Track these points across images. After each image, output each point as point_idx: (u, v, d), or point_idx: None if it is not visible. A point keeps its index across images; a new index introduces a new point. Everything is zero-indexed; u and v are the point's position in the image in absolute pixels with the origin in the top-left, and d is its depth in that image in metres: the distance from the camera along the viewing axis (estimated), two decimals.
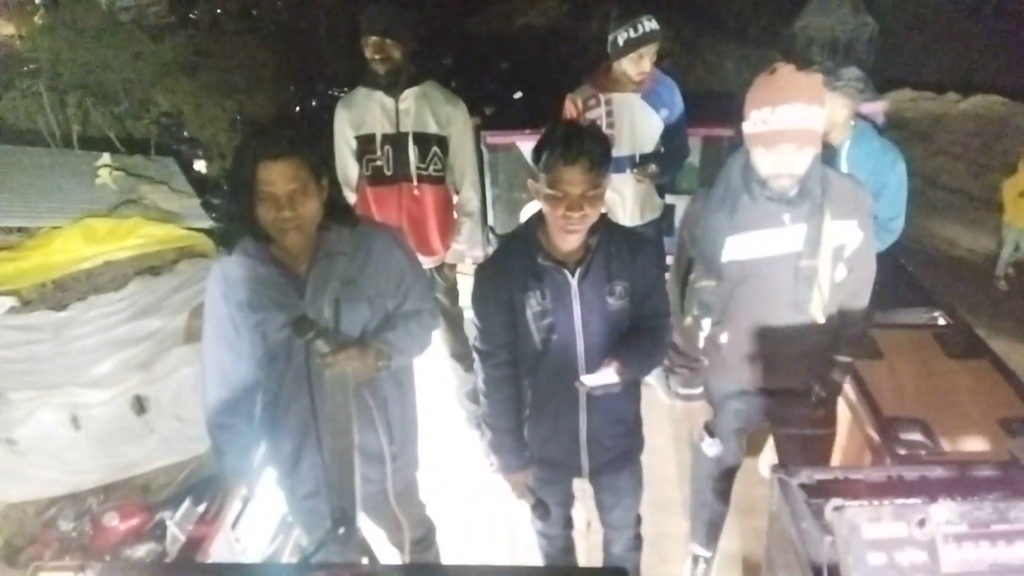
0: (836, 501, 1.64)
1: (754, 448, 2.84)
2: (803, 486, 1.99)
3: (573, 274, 1.97)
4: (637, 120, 3.01)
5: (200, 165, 5.64)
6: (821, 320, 2.14)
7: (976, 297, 5.77)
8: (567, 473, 2.28)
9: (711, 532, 2.72)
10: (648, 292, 2.04)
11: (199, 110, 5.92)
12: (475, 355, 2.13)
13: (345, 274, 1.85)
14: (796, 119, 1.90)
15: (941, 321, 3.08)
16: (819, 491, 1.93)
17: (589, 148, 1.82)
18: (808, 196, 2.04)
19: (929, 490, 1.80)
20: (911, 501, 1.62)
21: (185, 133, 5.82)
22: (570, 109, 3.12)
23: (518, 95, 5.70)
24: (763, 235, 2.11)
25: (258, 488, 2.59)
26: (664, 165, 3.09)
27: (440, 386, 3.50)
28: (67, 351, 3.46)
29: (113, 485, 3.49)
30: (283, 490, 2.17)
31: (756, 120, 1.96)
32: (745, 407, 2.39)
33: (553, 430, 2.13)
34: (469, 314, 3.68)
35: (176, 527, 2.50)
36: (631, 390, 2.17)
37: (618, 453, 2.23)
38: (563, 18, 11.25)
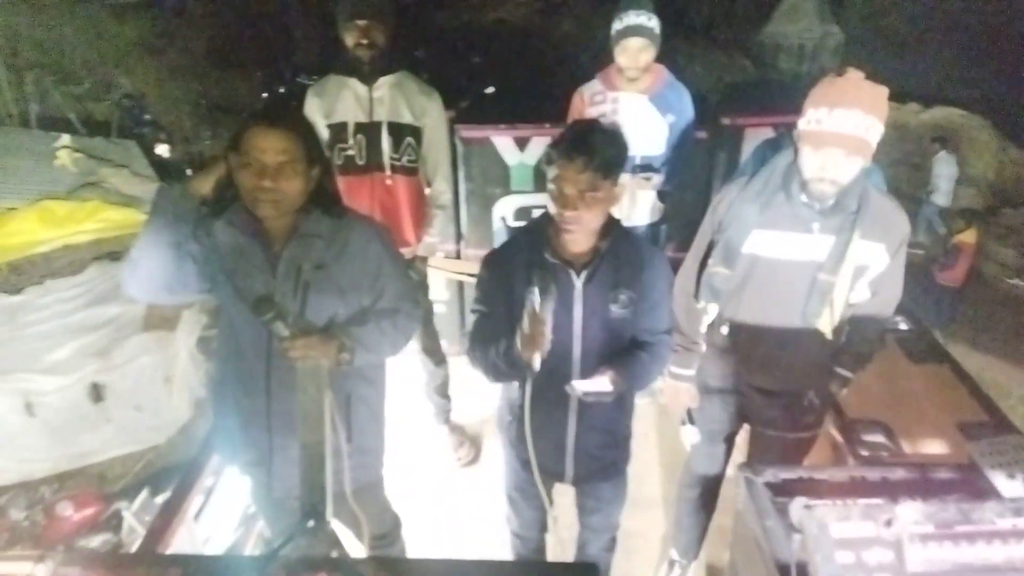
0: (803, 500, 1.66)
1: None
2: (768, 485, 2.02)
3: (579, 276, 1.92)
4: (641, 121, 2.95)
5: (162, 149, 5.51)
6: (828, 336, 2.14)
7: (960, 312, 5.89)
8: (550, 478, 2.22)
9: (692, 541, 2.72)
10: (653, 306, 1.99)
11: (162, 93, 5.79)
12: (468, 338, 2.09)
13: (318, 258, 1.82)
14: (851, 125, 1.87)
15: (902, 326, 3.15)
16: (784, 490, 1.95)
17: (593, 148, 1.77)
18: (842, 209, 2.01)
19: (891, 491, 1.84)
20: (877, 501, 1.65)
21: (147, 116, 5.68)
22: (576, 103, 3.07)
23: (490, 90, 5.67)
24: (789, 237, 2.08)
25: (221, 480, 2.55)
26: (668, 171, 3.03)
27: (409, 380, 3.47)
28: (22, 336, 3.35)
29: (67, 474, 3.40)
30: (239, 472, 2.12)
31: (811, 118, 1.93)
32: (731, 400, 2.38)
33: (540, 433, 2.05)
34: (439, 308, 3.70)
35: (133, 517, 2.44)
36: (624, 402, 2.12)
37: (605, 463, 2.19)
38: (536, 15, 11.27)
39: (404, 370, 3.24)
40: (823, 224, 2.04)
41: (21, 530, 3.02)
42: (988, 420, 2.51)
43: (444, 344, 3.31)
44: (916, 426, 2.48)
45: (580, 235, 1.88)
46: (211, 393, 2.03)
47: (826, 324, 2.11)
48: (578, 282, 1.92)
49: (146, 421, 3.59)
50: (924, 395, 2.62)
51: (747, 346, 2.26)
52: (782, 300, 2.15)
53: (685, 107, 3.01)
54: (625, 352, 2.00)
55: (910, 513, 1.53)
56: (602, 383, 1.89)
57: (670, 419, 3.47)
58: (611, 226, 1.94)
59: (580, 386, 1.91)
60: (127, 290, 1.80)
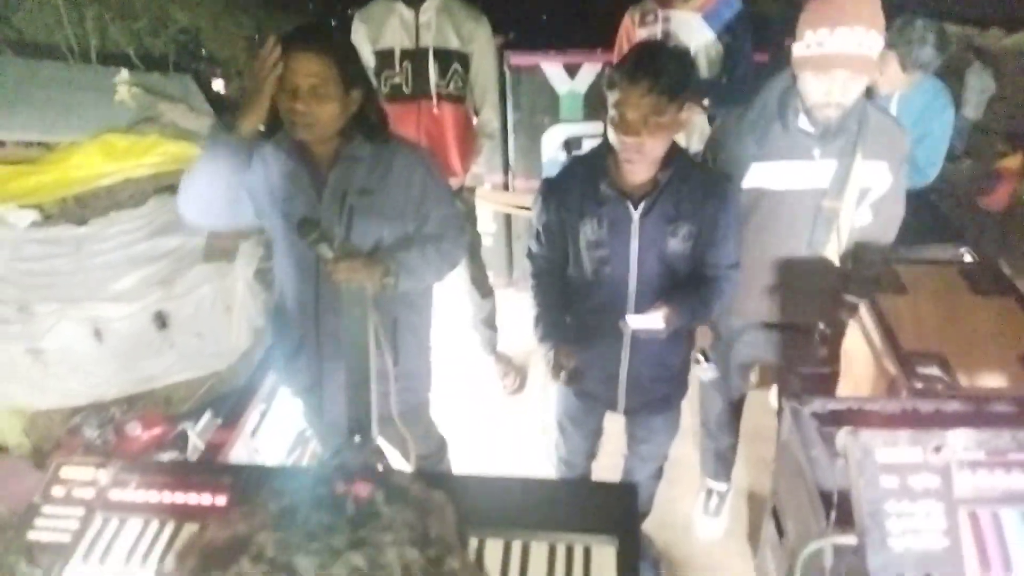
0: (849, 427, 1.63)
1: (764, 379, 2.84)
2: (815, 415, 2.00)
3: (636, 208, 1.86)
4: (694, 41, 2.79)
5: (218, 84, 5.56)
6: (835, 263, 2.09)
7: (1009, 240, 5.60)
8: (602, 407, 2.23)
9: (720, 464, 2.73)
10: (717, 240, 1.92)
11: (217, 27, 5.79)
12: (527, 258, 2.09)
13: (362, 183, 1.83)
14: (855, 43, 1.78)
15: (967, 258, 3.02)
16: (831, 420, 1.92)
17: (659, 69, 1.67)
18: (843, 132, 1.94)
19: (943, 423, 1.79)
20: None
21: (203, 51, 5.72)
22: (626, 24, 2.95)
23: (541, 15, 5.50)
24: (790, 166, 2.03)
25: (275, 403, 2.64)
26: (721, 95, 2.84)
27: (456, 311, 3.51)
28: (89, 266, 3.49)
29: (135, 397, 3.57)
30: (291, 390, 2.20)
31: (811, 42, 1.84)
32: (751, 341, 2.36)
33: (594, 364, 2.05)
34: (486, 240, 3.70)
35: (197, 437, 2.56)
36: (680, 336, 2.08)
37: (658, 396, 2.17)
38: None
39: (451, 300, 3.27)
40: (823, 149, 1.97)
41: (94, 448, 3.20)
42: None
43: (491, 276, 3.33)
44: (975, 359, 2.39)
45: (641, 165, 1.80)
46: (268, 321, 2.10)
47: (833, 251, 2.06)
48: (635, 214, 1.86)
49: (207, 348, 3.71)
50: (986, 328, 2.52)
51: (756, 281, 2.21)
52: (787, 231, 2.10)
53: (743, 26, 2.84)
54: (684, 287, 1.94)
55: (960, 439, 1.49)
56: (655, 320, 1.84)
57: None
58: (674, 155, 1.85)
59: (632, 322, 1.87)
60: (183, 213, 1.84)
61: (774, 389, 3.27)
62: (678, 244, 1.89)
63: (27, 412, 3.36)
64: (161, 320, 3.69)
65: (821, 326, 2.24)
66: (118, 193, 3.74)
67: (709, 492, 2.79)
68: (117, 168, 3.74)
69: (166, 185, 3.83)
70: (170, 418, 3.28)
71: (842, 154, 1.97)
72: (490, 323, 3.31)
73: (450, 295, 3.14)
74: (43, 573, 1.49)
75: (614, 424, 2.38)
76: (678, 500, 2.87)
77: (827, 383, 2.39)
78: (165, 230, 3.66)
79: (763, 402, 3.25)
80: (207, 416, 2.63)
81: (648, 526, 2.70)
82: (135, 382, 3.61)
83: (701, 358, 2.34)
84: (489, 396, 3.37)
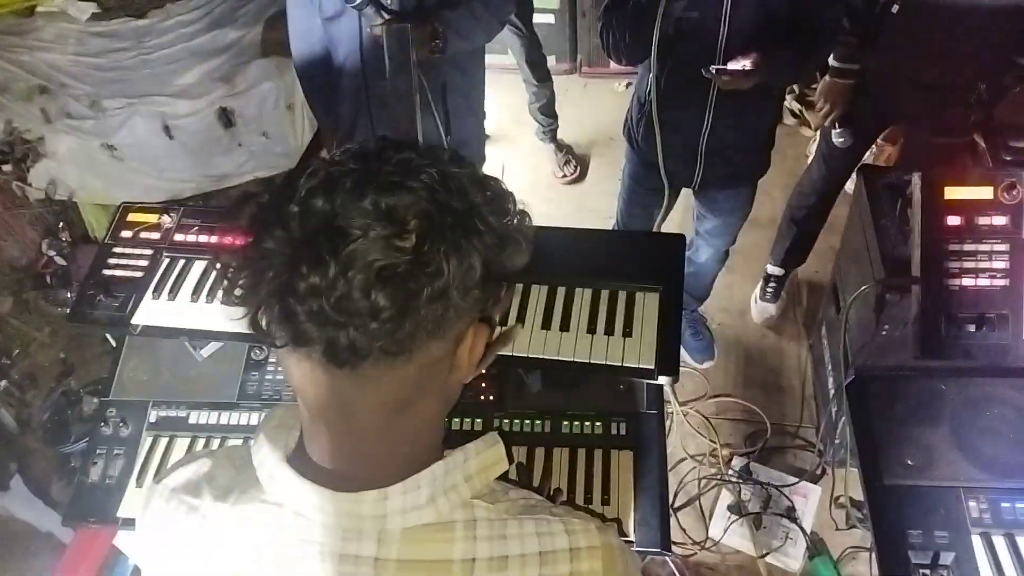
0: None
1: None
2: (889, 185, 1.88)
3: None
4: None
5: None
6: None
7: None
8: (676, 182, 2.09)
9: (794, 250, 2.65)
10: None
11: None
12: (600, 17, 1.90)
13: None
14: None
15: None
16: (906, 191, 1.81)
17: None
18: None
19: None
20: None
21: None
22: None
23: None
24: None
25: None
26: None
27: (513, 98, 3.39)
28: (151, 60, 3.49)
29: (210, 194, 3.69)
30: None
31: None
32: (883, 96, 2.13)
33: (673, 128, 1.89)
34: (546, 18, 3.48)
35: None
36: (768, 99, 1.92)
37: (737, 168, 2.04)
38: None
39: (506, 87, 3.16)
40: None
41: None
42: None
43: (552, 60, 3.16)
44: None
45: None
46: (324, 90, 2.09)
47: None
48: None
49: (273, 147, 3.75)
50: None
51: (919, 28, 1.93)
52: None
53: None
54: (782, 37, 1.72)
55: None
56: (743, 62, 1.66)
57: (793, 140, 3.25)
58: None
59: (718, 69, 1.69)
60: None
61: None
62: None
63: (110, 207, 3.54)
64: (227, 118, 3.72)
65: (982, 88, 1.98)
66: None
67: (768, 277, 2.74)
68: None
69: None
70: None
71: None
72: (548, 111, 3.19)
73: (503, 81, 3.01)
74: (120, 303, 1.60)
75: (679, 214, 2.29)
76: (735, 286, 2.84)
77: (962, 157, 2.19)
78: (221, 22, 3.60)
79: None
80: None
81: (706, 307, 2.71)
82: (210, 180, 3.71)
83: (836, 123, 2.19)
84: (547, 184, 3.32)
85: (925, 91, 2.05)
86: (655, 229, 2.24)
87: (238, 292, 0.61)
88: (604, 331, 1.52)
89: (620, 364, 1.47)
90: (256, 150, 3.77)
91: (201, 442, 1.61)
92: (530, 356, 1.50)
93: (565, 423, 1.60)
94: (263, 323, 0.60)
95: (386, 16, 1.68)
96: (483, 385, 1.64)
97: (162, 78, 3.49)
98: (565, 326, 1.54)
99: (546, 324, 1.54)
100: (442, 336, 0.62)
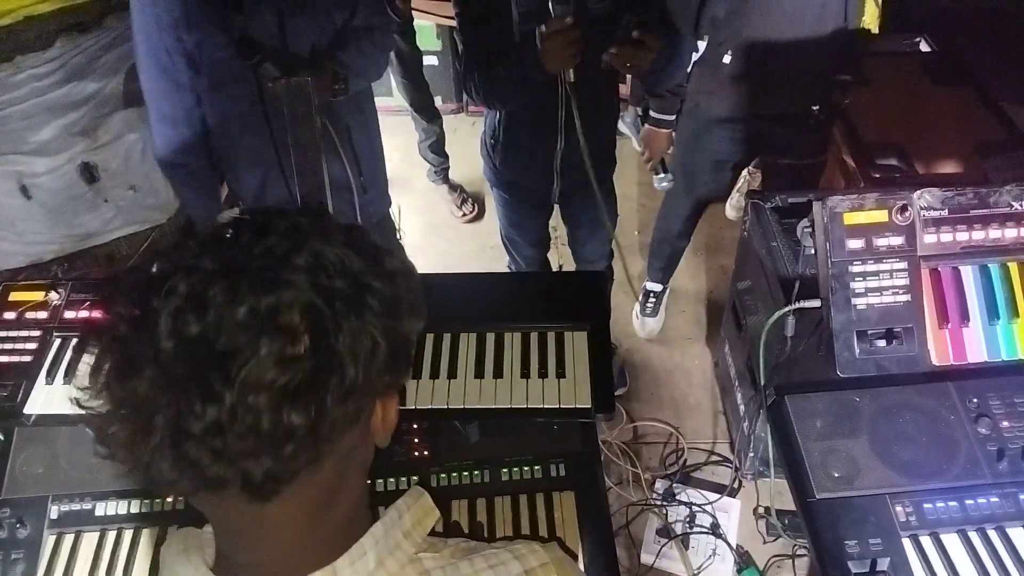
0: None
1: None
2: (776, 209, 2.00)
3: None
4: None
5: None
6: (875, 30, 1.99)
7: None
8: (540, 202, 2.25)
9: (668, 267, 2.81)
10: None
11: None
12: (463, 66, 1.94)
13: None
14: None
15: (923, 47, 2.98)
16: (792, 214, 1.93)
17: None
18: None
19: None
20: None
21: None
22: None
23: None
24: None
25: None
26: None
27: (401, 140, 3.37)
28: (3, 116, 3.21)
29: (75, 255, 3.42)
30: None
31: None
32: (735, 135, 2.28)
33: (527, 155, 2.06)
34: (430, 60, 3.49)
35: None
36: (611, 107, 2.09)
37: (591, 173, 2.13)
38: None
39: (395, 129, 3.13)
40: None
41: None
42: (1007, 139, 2.43)
43: (438, 101, 3.16)
44: (933, 148, 2.40)
45: None
46: (222, 165, 1.97)
47: (873, 18, 1.96)
48: None
49: (143, 200, 3.54)
50: (944, 118, 2.52)
51: (753, 68, 2.11)
52: (796, 9, 1.99)
53: None
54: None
55: (925, 198, 1.49)
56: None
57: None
58: None
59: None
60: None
61: (730, 202, 3.28)
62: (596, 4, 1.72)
63: None
64: (90, 173, 3.48)
65: (815, 110, 2.15)
66: (21, 34, 3.39)
67: (647, 293, 2.86)
68: (16, 5, 3.37)
69: (72, 23, 3.48)
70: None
71: None
72: (438, 149, 3.17)
73: (391, 124, 2.98)
74: (8, 392, 1.44)
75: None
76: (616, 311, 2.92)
77: (815, 174, 2.37)
78: (78, 74, 3.36)
79: (721, 213, 3.27)
80: None
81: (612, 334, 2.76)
82: (74, 239, 3.45)
83: (660, 168, 2.29)
84: (446, 225, 3.30)
85: (769, 123, 2.22)
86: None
87: (117, 448, 0.54)
88: (538, 374, 1.51)
89: (558, 406, 1.46)
90: (124, 205, 3.54)
91: (111, 534, 1.45)
92: (466, 408, 1.46)
93: (504, 471, 1.56)
94: (161, 473, 0.53)
95: (280, 71, 1.62)
96: (416, 441, 1.58)
97: (16, 135, 3.22)
98: (499, 372, 1.52)
99: (479, 373, 1.51)
100: (357, 423, 0.59)
